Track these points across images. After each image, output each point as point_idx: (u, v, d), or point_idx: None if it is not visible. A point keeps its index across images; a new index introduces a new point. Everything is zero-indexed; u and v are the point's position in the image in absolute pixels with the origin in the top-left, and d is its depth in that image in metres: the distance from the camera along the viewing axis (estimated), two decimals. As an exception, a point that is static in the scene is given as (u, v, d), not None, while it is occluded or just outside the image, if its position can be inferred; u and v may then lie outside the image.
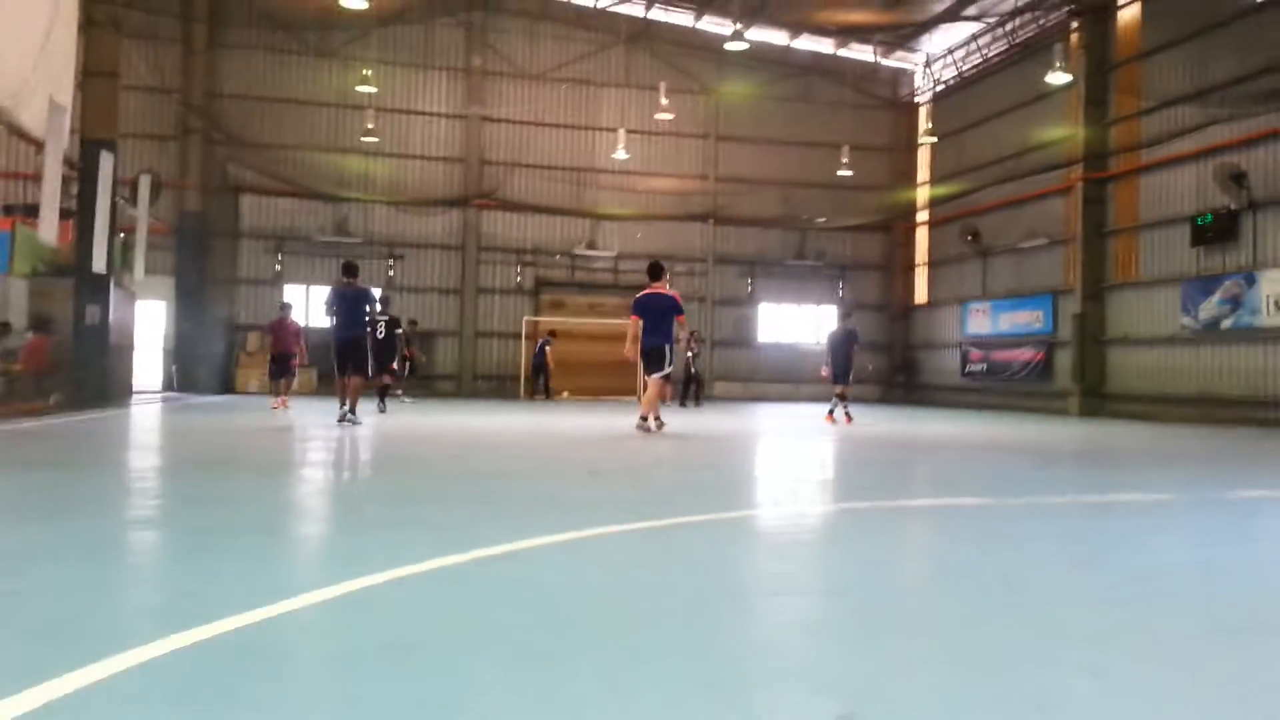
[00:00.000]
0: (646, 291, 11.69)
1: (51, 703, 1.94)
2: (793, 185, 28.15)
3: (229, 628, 2.53)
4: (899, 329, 29.58)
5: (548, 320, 26.80)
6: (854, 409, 15.61)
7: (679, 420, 13.56)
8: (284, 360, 15.91)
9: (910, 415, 19.02)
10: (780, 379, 28.25)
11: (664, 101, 25.30)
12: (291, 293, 25.73)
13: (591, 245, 27.51)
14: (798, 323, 29.11)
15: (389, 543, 4.08)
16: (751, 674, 2.35)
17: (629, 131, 26.45)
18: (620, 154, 26.19)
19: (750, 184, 28.07)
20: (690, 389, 22.04)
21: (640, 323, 11.52)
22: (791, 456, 9.33)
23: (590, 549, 3.92)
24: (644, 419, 11.48)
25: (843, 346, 15.22)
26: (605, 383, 25.93)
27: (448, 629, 2.63)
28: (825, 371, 15.38)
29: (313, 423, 12.24)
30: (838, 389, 15.13)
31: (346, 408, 11.95)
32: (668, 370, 11.60)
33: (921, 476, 7.83)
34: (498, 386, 26.49)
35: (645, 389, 11.83)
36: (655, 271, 11.87)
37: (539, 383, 24.55)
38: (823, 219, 28.30)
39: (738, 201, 28.00)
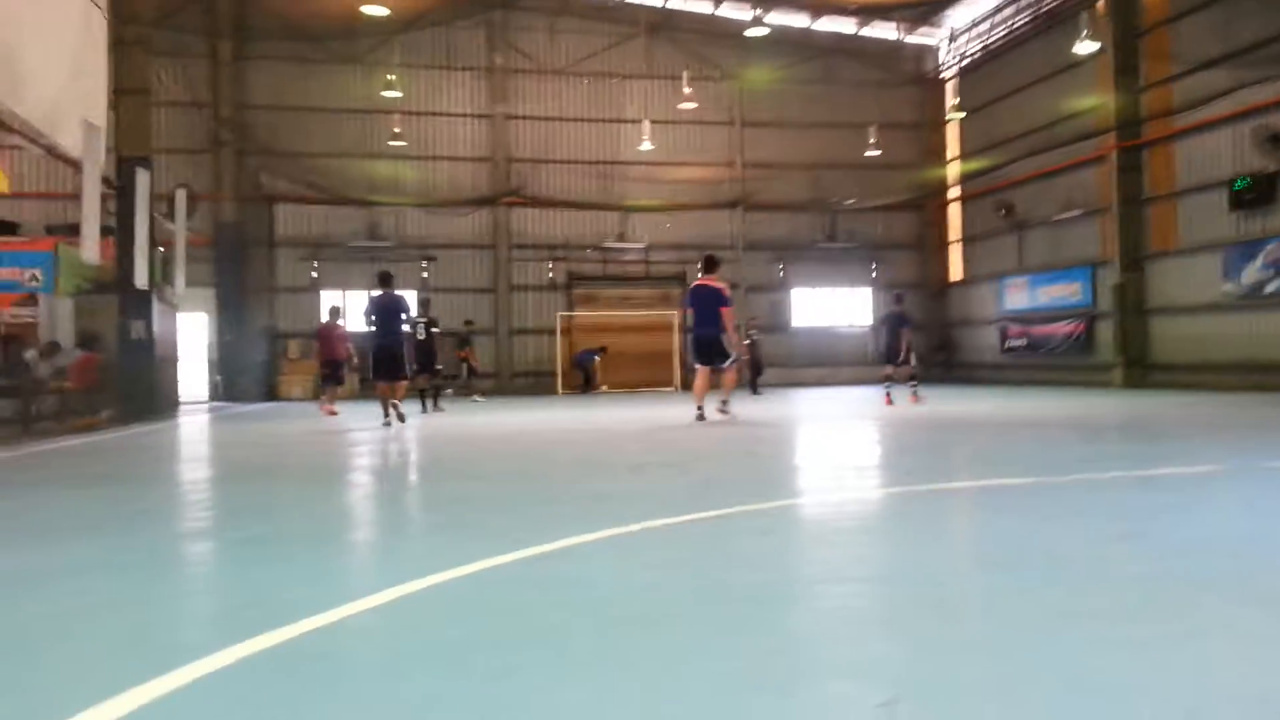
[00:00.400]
0: (698, 284, 11.96)
1: (129, 714, 2.04)
2: (820, 167, 28.00)
3: (287, 636, 2.63)
4: (936, 307, 29.35)
5: (582, 315, 26.92)
6: (893, 390, 15.59)
7: (746, 409, 13.51)
8: (334, 366, 15.90)
9: (951, 394, 18.87)
10: (817, 363, 28.16)
11: (687, 90, 25.27)
12: (329, 299, 26.09)
13: (621, 238, 27.57)
14: (832, 306, 28.98)
15: (437, 546, 4.17)
16: (796, 664, 2.40)
17: (653, 122, 26.45)
18: (645, 145, 26.20)
19: (777, 168, 27.97)
20: (750, 378, 21.31)
21: (692, 314, 11.97)
22: (836, 442, 9.34)
23: (634, 545, 3.98)
24: (700, 409, 11.59)
25: (891, 328, 15.53)
26: (642, 375, 26.06)
27: (499, 631, 2.70)
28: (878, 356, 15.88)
29: (357, 427, 12.44)
30: (886, 370, 15.38)
31: (393, 414, 12.30)
32: (733, 359, 11.87)
33: (965, 457, 7.81)
34: (534, 383, 26.66)
35: (696, 379, 12.05)
36: (709, 264, 12.09)
37: (583, 380, 25.01)
38: (852, 200, 28.13)
39: (766, 187, 27.91)
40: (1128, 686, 2.11)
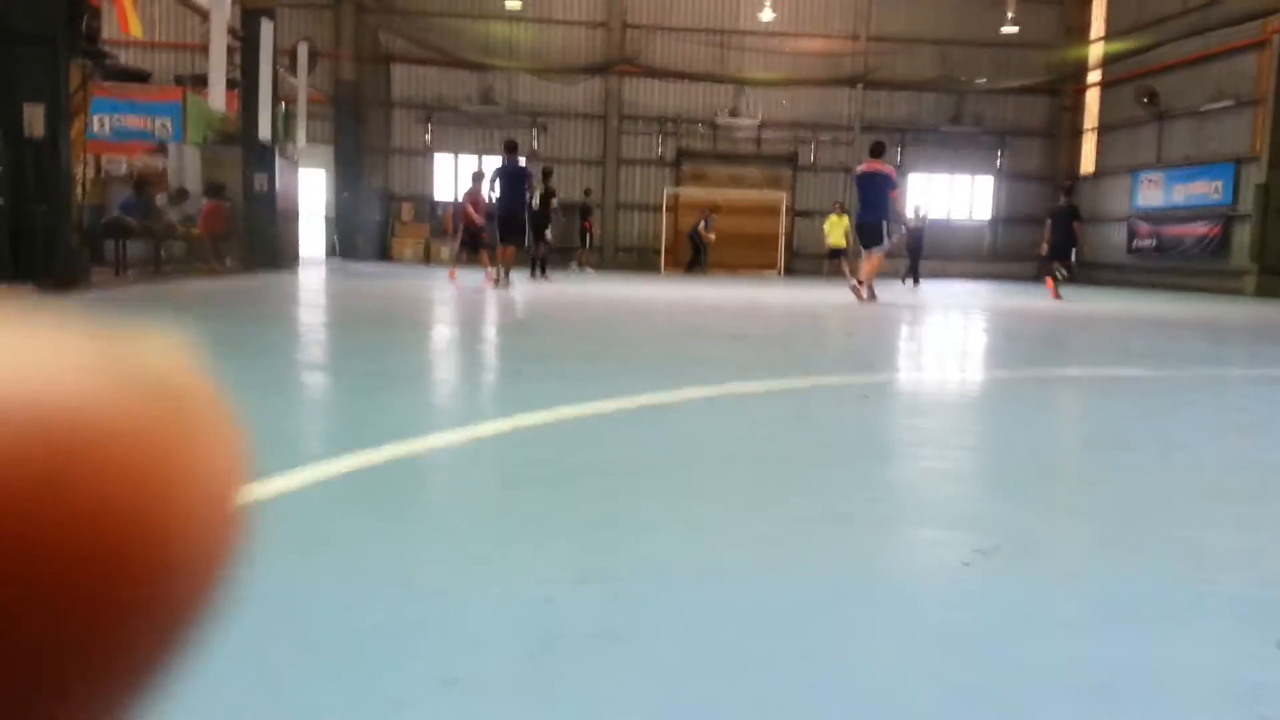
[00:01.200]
0: (864, 168, 11.92)
1: (255, 502, 2.20)
2: (951, 44, 26.50)
3: (400, 454, 2.77)
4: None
5: (689, 192, 26.59)
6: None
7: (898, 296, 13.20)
8: (475, 233, 15.44)
9: (1072, 294, 18.14)
10: (930, 255, 27.25)
11: (814, -43, 24.04)
12: (441, 162, 26.39)
13: (734, 113, 26.85)
14: (951, 195, 27.84)
15: (543, 391, 4.29)
16: (891, 511, 2.42)
17: (777, -11, 25.37)
18: (766, 14, 25.18)
19: (904, 43, 26.58)
20: (911, 265, 20.13)
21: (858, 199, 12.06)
22: (968, 328, 9.15)
23: (737, 402, 4.03)
24: (860, 284, 11.93)
25: (1062, 223, 15.11)
26: (748, 256, 25.71)
27: (598, 462, 2.79)
28: (1044, 248, 15.41)
29: (471, 288, 12.73)
30: (1056, 265, 15.18)
31: (502, 272, 12.84)
32: (886, 246, 11.89)
33: (1082, 348, 7.56)
34: (638, 259, 26.66)
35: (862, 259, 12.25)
36: (877, 149, 12.13)
37: (696, 256, 24.17)
38: (983, 80, 26.60)
39: (890, 62, 26.61)
40: (1230, 557, 2.07)
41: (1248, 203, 20.51)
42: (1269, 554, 2.10)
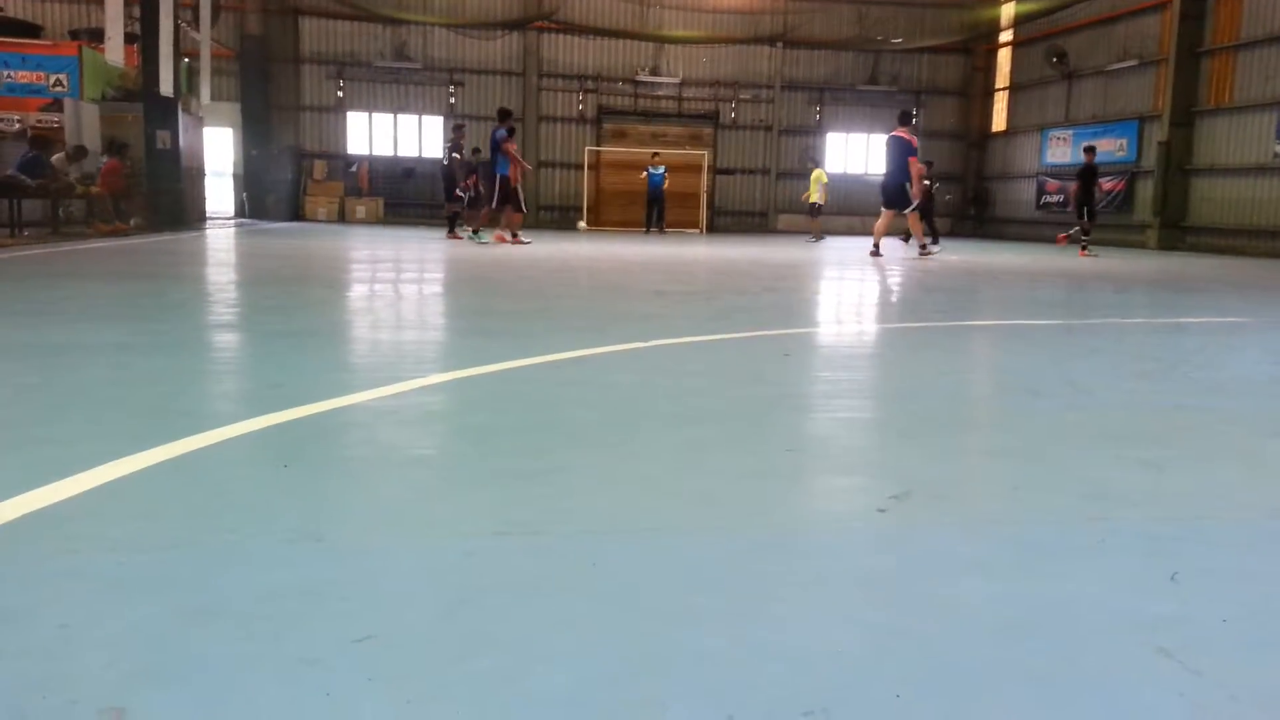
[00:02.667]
0: (893, 134, 12.96)
1: (165, 461, 2.12)
2: (868, 3, 26.69)
3: (317, 410, 2.70)
4: (974, 159, 28.55)
5: (610, 150, 26.38)
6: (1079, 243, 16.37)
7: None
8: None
9: (982, 248, 18.62)
10: (848, 212, 27.65)
11: (733, -88, 23.86)
12: (355, 120, 25.66)
13: (655, 71, 26.69)
14: (866, 153, 28.17)
15: (464, 346, 4.23)
16: (809, 462, 2.44)
17: (695, -54, 25.14)
18: (686, -29, 24.98)
19: (822, 2, 26.67)
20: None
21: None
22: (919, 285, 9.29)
23: (654, 354, 4.02)
24: (876, 245, 13.20)
25: (1085, 182, 16.16)
26: (671, 214, 25.60)
27: (521, 417, 2.76)
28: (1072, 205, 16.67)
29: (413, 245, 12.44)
30: (1084, 223, 16.20)
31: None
32: (914, 205, 12.97)
33: (994, 300, 7.75)
34: (560, 217, 26.43)
35: (879, 220, 13.39)
36: (905, 118, 13.09)
37: (652, 214, 23.11)
38: (899, 39, 26.91)
39: (809, 21, 26.71)
40: (1138, 495, 2.15)
41: (1150, 159, 21.23)
42: (1169, 493, 2.18)
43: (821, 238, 20.72)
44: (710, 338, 4.60)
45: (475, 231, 15.15)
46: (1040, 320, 6.08)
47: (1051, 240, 23.07)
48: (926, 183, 18.77)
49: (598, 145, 26.53)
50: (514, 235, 14.43)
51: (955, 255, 14.51)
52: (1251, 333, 5.62)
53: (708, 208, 26.58)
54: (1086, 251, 15.82)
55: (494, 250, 12.75)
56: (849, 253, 15.26)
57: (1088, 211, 16.26)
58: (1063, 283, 9.55)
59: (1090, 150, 16.64)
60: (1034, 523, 1.93)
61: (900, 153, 12.76)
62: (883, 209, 13.28)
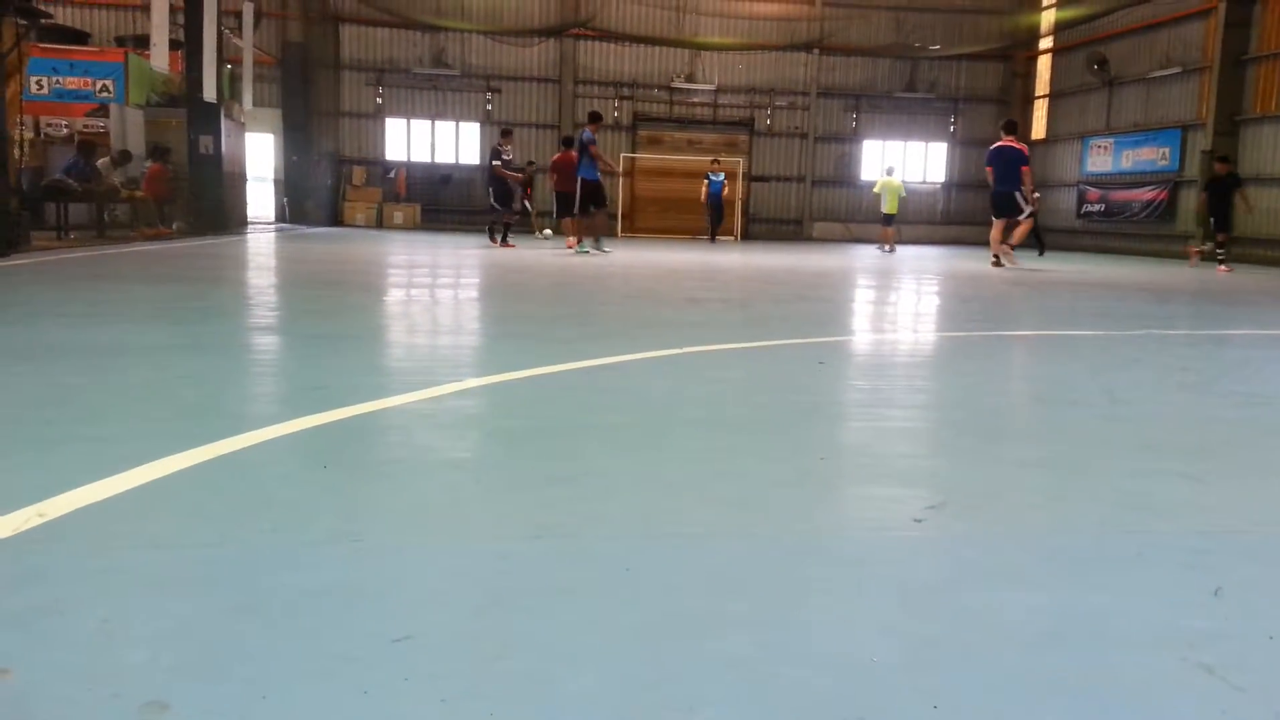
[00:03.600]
0: (1000, 144, 13.09)
1: (207, 461, 2.15)
2: (905, 10, 26.52)
3: (355, 413, 2.73)
4: (1012, 167, 28.22)
5: (645, 157, 26.42)
6: (963, 252, 15.54)
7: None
8: (566, 199, 14.85)
9: (1022, 258, 18.39)
10: (883, 220, 27.41)
11: (771, -81, 23.82)
12: (393, 126, 25.91)
13: (690, 78, 26.69)
14: (904, 161, 27.97)
15: (501, 351, 4.25)
16: (844, 470, 2.43)
17: (733, -47, 25.13)
18: (723, -22, 24.97)
19: (859, 9, 26.55)
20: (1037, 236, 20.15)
21: (992, 172, 13.21)
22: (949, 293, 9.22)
23: (689, 361, 4.02)
24: (996, 257, 13.34)
25: (1220, 193, 15.22)
26: (701, 222, 25.58)
27: (556, 421, 2.77)
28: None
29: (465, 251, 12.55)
30: (1220, 236, 15.34)
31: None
32: (1029, 213, 13.32)
33: (1032, 310, 7.67)
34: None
35: (993, 230, 13.58)
36: (1010, 127, 13.43)
37: (713, 222, 23.13)
38: (937, 46, 26.70)
39: (845, 28, 26.60)
40: (1174, 506, 2.11)
41: (1194, 168, 20.88)
42: (1209, 506, 2.15)
43: (893, 249, 19.99)
44: (745, 345, 4.59)
45: (581, 242, 14.28)
46: (1081, 331, 5.99)
47: (1093, 250, 22.75)
48: (1037, 194, 18.23)
49: (633, 152, 26.57)
50: (584, 242, 14.06)
51: (1062, 265, 14.35)
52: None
53: (743, 215, 26.52)
54: (1226, 267, 14.82)
55: (548, 258, 12.80)
56: (924, 262, 15.16)
57: (1221, 223, 15.17)
58: (1098, 292, 9.41)
59: (1226, 159, 15.88)
60: (1072, 532, 1.91)
61: (1012, 162, 12.91)
62: (994, 219, 13.47)
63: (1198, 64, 21.20)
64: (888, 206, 20.08)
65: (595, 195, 13.92)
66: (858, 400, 3.43)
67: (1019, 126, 13.44)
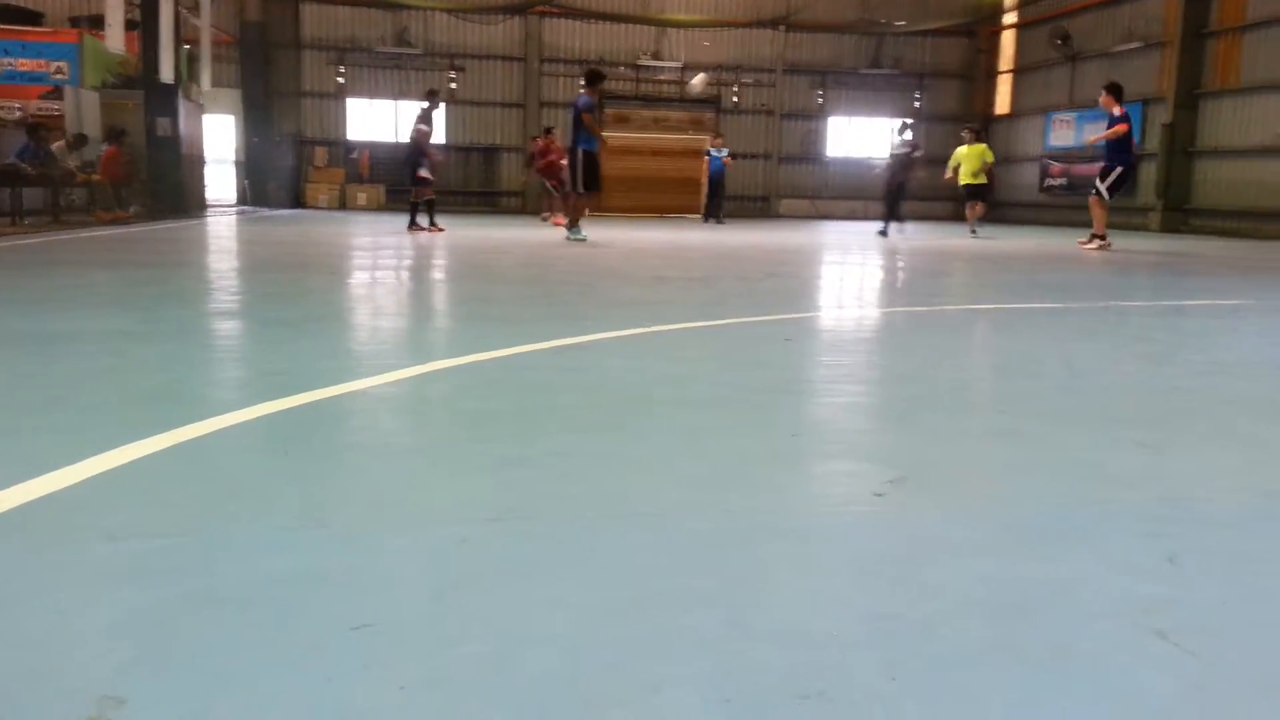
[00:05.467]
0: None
1: (165, 449, 2.12)
2: (871, -15, 26.52)
3: (316, 397, 2.70)
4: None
5: (612, 135, 26.24)
6: (924, 227, 15.55)
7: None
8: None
9: (984, 232, 18.57)
10: (849, 196, 27.53)
11: (734, -106, 23.69)
12: (355, 106, 25.56)
13: (657, 55, 26.56)
14: (868, 137, 28.03)
15: (465, 333, 4.23)
16: (808, 446, 2.44)
17: (697, -72, 24.96)
18: (688, -46, 24.81)
19: (825, -15, 26.52)
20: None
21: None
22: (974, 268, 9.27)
23: (655, 339, 4.02)
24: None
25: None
26: (670, 200, 25.55)
27: (519, 402, 2.76)
28: None
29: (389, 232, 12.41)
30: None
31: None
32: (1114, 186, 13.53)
33: (991, 284, 7.73)
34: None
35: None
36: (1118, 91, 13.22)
37: (714, 204, 21.23)
38: (902, 22, 26.74)
39: (812, 4, 26.54)
40: (1134, 476, 2.15)
41: (1154, 142, 21.12)
42: (1165, 475, 2.18)
43: (977, 230, 16.67)
44: (710, 323, 4.59)
45: (575, 226, 12.25)
46: (1039, 304, 6.06)
47: (1056, 224, 22.97)
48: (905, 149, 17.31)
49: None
50: (577, 226, 12.18)
51: (943, 241, 14.47)
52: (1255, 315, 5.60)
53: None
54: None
55: (530, 239, 12.71)
56: (1014, 244, 15.21)
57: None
58: (1057, 266, 9.52)
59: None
60: (1031, 504, 1.93)
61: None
62: (1107, 196, 13.63)
63: (1159, 38, 21.39)
64: (966, 176, 16.41)
65: (596, 170, 12.06)
66: (823, 376, 3.44)
67: (987, 103, 13.62)
